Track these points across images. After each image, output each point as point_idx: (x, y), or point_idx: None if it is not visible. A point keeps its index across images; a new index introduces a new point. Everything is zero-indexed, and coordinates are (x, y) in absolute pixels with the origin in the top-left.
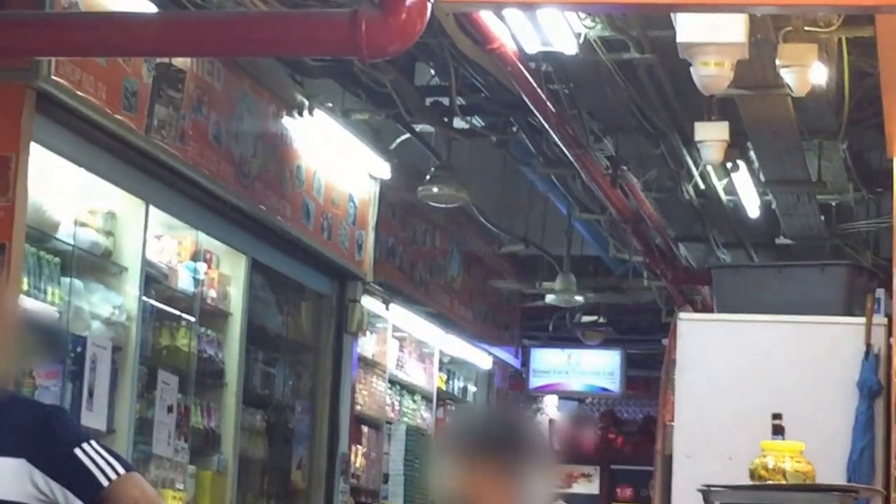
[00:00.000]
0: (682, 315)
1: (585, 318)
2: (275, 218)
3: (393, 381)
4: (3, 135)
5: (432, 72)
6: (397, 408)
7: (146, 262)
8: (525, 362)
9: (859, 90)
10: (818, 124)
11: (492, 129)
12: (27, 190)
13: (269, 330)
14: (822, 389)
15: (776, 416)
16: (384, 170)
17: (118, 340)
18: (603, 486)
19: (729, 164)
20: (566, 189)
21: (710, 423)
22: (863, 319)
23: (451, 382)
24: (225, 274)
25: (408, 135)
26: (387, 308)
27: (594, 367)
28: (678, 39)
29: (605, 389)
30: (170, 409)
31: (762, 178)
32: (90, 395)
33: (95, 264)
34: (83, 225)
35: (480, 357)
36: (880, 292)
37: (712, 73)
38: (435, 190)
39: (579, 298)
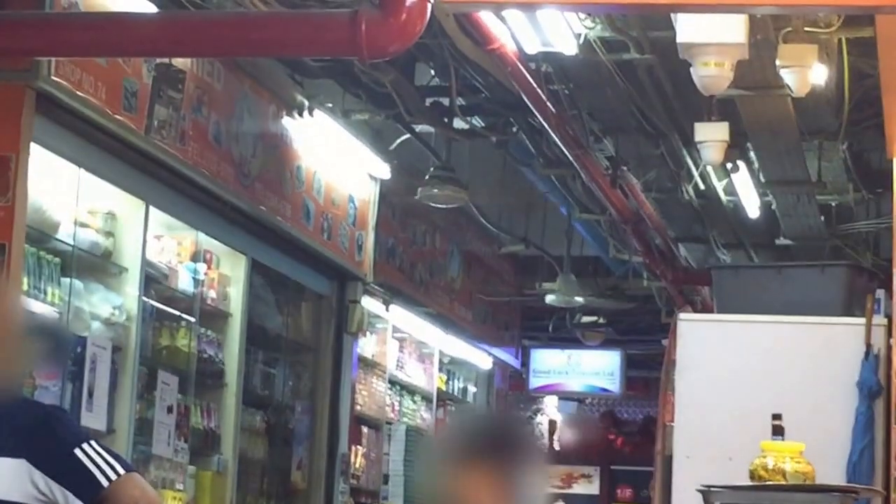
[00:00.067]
0: (682, 315)
1: (585, 319)
2: (275, 218)
3: (393, 382)
4: (3, 135)
5: (432, 72)
6: (397, 408)
7: (146, 263)
8: (525, 363)
9: (859, 91)
10: (818, 125)
11: (492, 130)
12: (27, 190)
13: (269, 330)
14: (822, 390)
15: (776, 417)
16: (384, 170)
17: (118, 341)
18: (603, 486)
19: (729, 165)
20: (566, 189)
21: (710, 424)
22: (863, 320)
23: (451, 383)
24: (225, 274)
25: (408, 135)
26: (387, 308)
27: (594, 368)
28: (678, 40)
29: (605, 390)
30: (170, 410)
31: (762, 178)
32: (90, 395)
33: (95, 265)
34: (83, 225)
35: (480, 357)
36: (880, 293)
37: (712, 74)
38: (435, 190)
39: (579, 299)
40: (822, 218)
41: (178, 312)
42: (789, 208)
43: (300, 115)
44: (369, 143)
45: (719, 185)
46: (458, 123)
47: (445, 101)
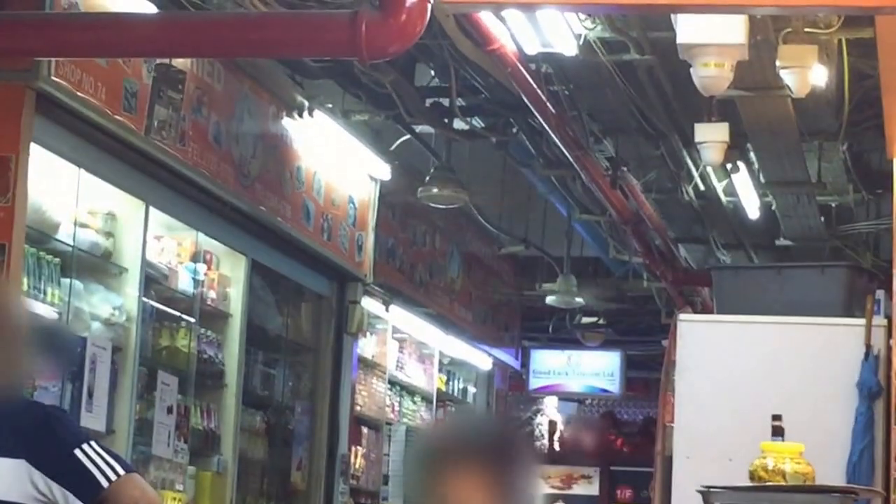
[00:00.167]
0: (682, 316)
1: (585, 320)
2: (275, 219)
3: (393, 382)
4: (3, 135)
5: (432, 73)
6: (397, 409)
7: (146, 263)
8: (525, 363)
9: (859, 91)
10: (818, 125)
11: (492, 131)
12: (27, 191)
13: (268, 331)
14: (822, 391)
15: (776, 418)
16: (384, 171)
17: (118, 341)
18: (603, 487)
19: (729, 166)
20: (566, 190)
21: (709, 425)
22: (862, 321)
23: (450, 383)
24: (225, 275)
25: (408, 136)
26: (387, 309)
27: (594, 369)
28: (678, 40)
29: (605, 391)
30: (169, 410)
31: (762, 179)
32: (90, 395)
33: (95, 265)
34: (83, 226)
35: (480, 358)
36: (880, 293)
37: (712, 74)
38: (435, 191)
39: (579, 300)
40: (822, 219)
41: (177, 313)
42: (789, 209)
43: (300, 115)
44: (369, 144)
45: (719, 186)
46: (458, 124)
47: (445, 102)
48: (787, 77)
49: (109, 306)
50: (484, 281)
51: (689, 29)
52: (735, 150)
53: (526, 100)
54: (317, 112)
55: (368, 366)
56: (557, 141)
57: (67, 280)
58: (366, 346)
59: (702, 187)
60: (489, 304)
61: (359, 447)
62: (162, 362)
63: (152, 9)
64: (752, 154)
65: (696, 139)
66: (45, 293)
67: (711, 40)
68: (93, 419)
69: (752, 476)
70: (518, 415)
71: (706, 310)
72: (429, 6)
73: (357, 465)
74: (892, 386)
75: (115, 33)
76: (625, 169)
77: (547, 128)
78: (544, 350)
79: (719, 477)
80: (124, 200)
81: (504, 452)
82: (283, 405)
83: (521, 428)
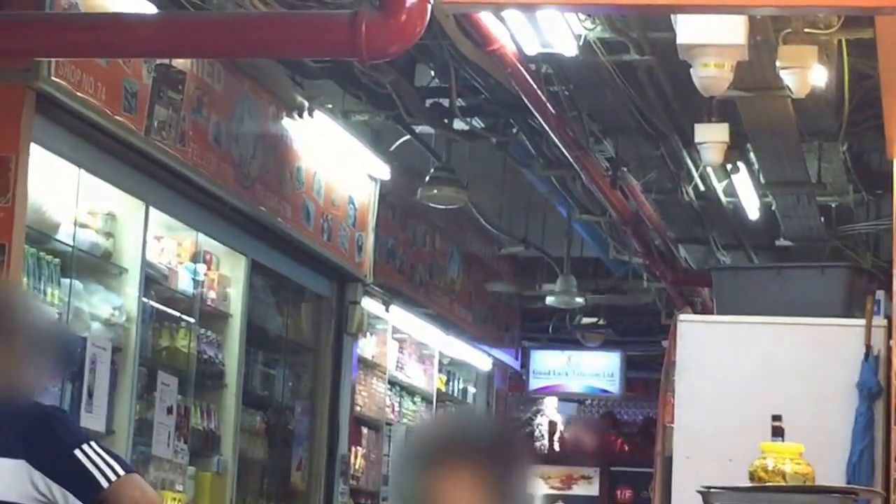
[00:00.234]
0: (682, 316)
1: (585, 320)
2: (275, 219)
3: (393, 383)
4: (3, 136)
5: (432, 73)
6: (397, 409)
7: (146, 264)
8: (525, 364)
9: (859, 92)
10: (818, 126)
11: (492, 131)
12: (27, 191)
13: (268, 331)
14: (822, 391)
15: (776, 418)
16: (384, 171)
17: (118, 341)
18: (603, 487)
19: (729, 166)
20: (566, 191)
21: (709, 425)
22: (862, 321)
23: (450, 384)
24: (225, 275)
25: (408, 136)
26: (387, 309)
27: (594, 369)
28: (678, 41)
29: (605, 391)
30: (169, 411)
31: (762, 179)
32: (90, 396)
33: (95, 265)
34: (83, 226)
35: (480, 358)
36: (880, 294)
37: (712, 75)
38: (435, 191)
39: (579, 300)
40: (822, 219)
41: (177, 313)
42: (789, 209)
43: (300, 115)
44: (369, 144)
45: (719, 187)
46: (458, 124)
47: (445, 102)
48: (787, 77)
49: (109, 306)
50: (484, 281)
51: (688, 29)
52: (735, 150)
53: (526, 100)
54: (317, 112)
55: (368, 366)
56: (557, 141)
57: (67, 280)
58: (366, 347)
59: (702, 188)
60: (489, 304)
61: (359, 447)
62: (162, 362)
63: (152, 9)
64: (752, 154)
65: (696, 139)
66: (44, 293)
67: (711, 41)
68: (93, 419)
69: (751, 476)
70: (513, 414)
71: (706, 310)
72: (429, 6)
73: (357, 466)
74: (892, 386)
75: (115, 33)
76: (625, 169)
77: (547, 128)
78: (544, 350)
79: (719, 477)
80: (124, 201)
81: (495, 451)
82: (283, 405)
83: (513, 425)
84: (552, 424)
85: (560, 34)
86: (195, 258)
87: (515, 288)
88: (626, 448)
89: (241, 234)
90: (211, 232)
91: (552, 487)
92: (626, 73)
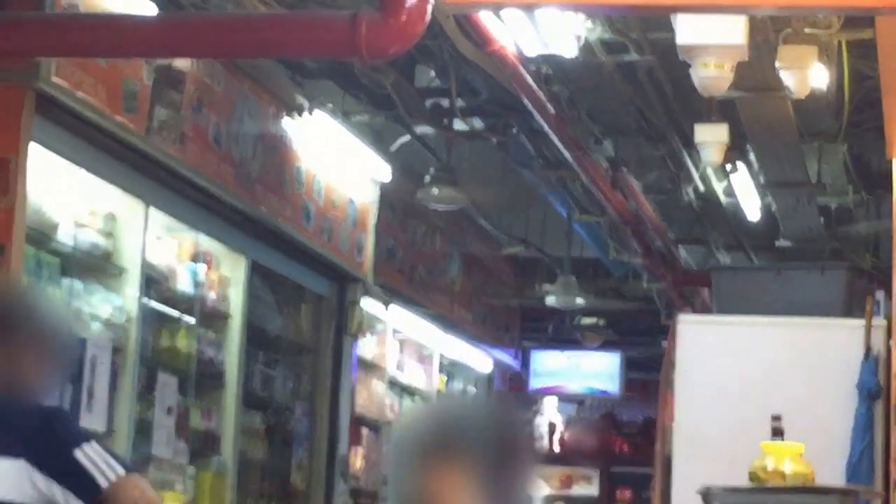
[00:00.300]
0: (681, 317)
1: (585, 321)
2: (275, 219)
3: (393, 383)
4: (2, 136)
5: (432, 73)
6: (397, 409)
7: (146, 264)
8: (525, 364)
9: (859, 92)
10: (818, 126)
11: (492, 131)
12: (27, 191)
13: (268, 331)
14: (822, 391)
15: (776, 418)
16: (384, 171)
17: (118, 342)
18: (603, 488)
19: (728, 166)
20: (566, 191)
21: (709, 425)
22: (862, 321)
23: (450, 384)
24: (225, 275)
25: (408, 136)
26: (386, 310)
27: (594, 370)
28: (678, 41)
29: (605, 391)
30: (169, 411)
31: (762, 180)
32: (90, 396)
33: (95, 266)
34: (83, 226)
35: (480, 359)
36: (880, 294)
37: (712, 75)
38: (435, 192)
39: (579, 300)
40: (822, 220)
41: (177, 313)
42: (789, 210)
43: (300, 116)
44: (369, 145)
45: (719, 187)
46: (458, 125)
47: (445, 103)
48: (787, 78)
49: (109, 307)
50: (484, 282)
51: (688, 30)
52: (735, 150)
53: (526, 101)
54: (317, 113)
55: (368, 366)
56: (557, 142)
57: (67, 281)
58: (366, 347)
59: (702, 188)
60: (489, 304)
61: (359, 448)
62: (162, 363)
63: (152, 9)
64: (751, 155)
65: (696, 140)
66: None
67: (711, 41)
68: (92, 419)
69: (751, 477)
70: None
71: (706, 311)
72: (429, 7)
73: (357, 466)
74: (892, 387)
75: (115, 33)
76: (625, 170)
77: (547, 129)
78: (544, 351)
79: (719, 477)
80: (124, 201)
81: (488, 442)
82: (283, 406)
83: (511, 413)
84: (552, 425)
85: (560, 35)
86: (195, 258)
87: (515, 288)
88: (626, 448)
89: (241, 234)
90: (211, 232)
91: (552, 488)
92: (626, 73)
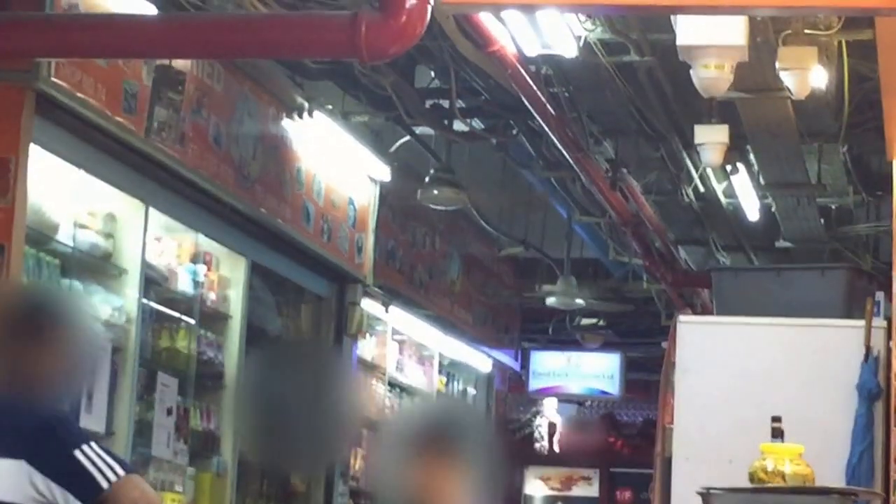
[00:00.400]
0: (681, 318)
1: (585, 321)
2: (275, 220)
3: (393, 384)
4: (2, 136)
5: (432, 74)
6: (397, 410)
7: (146, 265)
8: (525, 365)
9: (859, 93)
10: (818, 127)
11: (492, 132)
12: (27, 192)
13: (268, 332)
14: (822, 392)
15: (776, 419)
16: (384, 172)
17: (118, 342)
18: (602, 488)
19: (728, 167)
20: (566, 192)
21: (709, 426)
22: (862, 322)
23: (450, 385)
24: (225, 276)
25: (408, 137)
26: (386, 311)
27: (594, 370)
28: (678, 42)
29: (605, 392)
30: (169, 412)
31: (762, 180)
32: (89, 396)
33: (95, 266)
34: (83, 227)
35: (480, 360)
36: (880, 295)
37: (712, 76)
38: (435, 192)
39: (579, 301)
40: (822, 220)
41: (177, 314)
42: (789, 211)
43: (300, 116)
44: (369, 145)
45: (719, 188)
46: (458, 125)
47: (445, 104)
48: (787, 79)
49: (109, 307)
50: (484, 282)
51: (689, 30)
52: (735, 151)
53: (526, 101)
54: (317, 113)
55: (368, 367)
56: (557, 142)
57: (67, 281)
58: (365, 348)
59: (702, 189)
60: (489, 305)
61: (359, 449)
62: (162, 363)
63: (152, 10)
64: (751, 156)
65: (696, 141)
66: None
67: (711, 42)
68: (92, 420)
69: (751, 478)
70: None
71: (706, 311)
72: (429, 7)
73: (356, 467)
74: (892, 387)
75: (115, 34)
76: (625, 170)
77: (547, 129)
78: (544, 351)
79: (719, 478)
80: (124, 202)
81: (471, 441)
82: None
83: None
84: (552, 425)
85: (560, 35)
86: (195, 259)
87: (515, 289)
88: (626, 449)
89: (241, 235)
90: (211, 233)
91: (552, 488)
92: (626, 74)
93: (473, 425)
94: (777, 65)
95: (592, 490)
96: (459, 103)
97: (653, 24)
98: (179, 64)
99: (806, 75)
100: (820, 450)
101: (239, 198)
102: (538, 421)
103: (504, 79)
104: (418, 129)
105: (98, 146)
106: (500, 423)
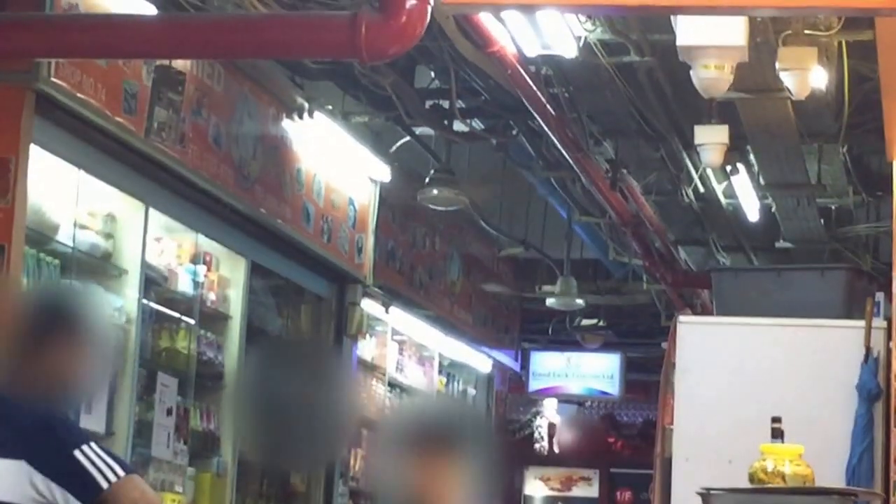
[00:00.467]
0: (681, 318)
1: (585, 322)
2: (275, 221)
3: (393, 384)
4: (2, 137)
5: (432, 74)
6: (397, 410)
7: (146, 265)
8: (524, 365)
9: (859, 94)
10: (818, 127)
11: (492, 132)
12: (27, 192)
13: (268, 332)
14: (822, 393)
15: (775, 420)
16: (384, 173)
17: (118, 342)
18: (602, 489)
19: (728, 168)
20: (566, 192)
21: (709, 427)
22: (862, 323)
23: (450, 385)
24: (224, 276)
25: (408, 138)
26: (386, 311)
27: (594, 371)
28: (678, 42)
29: (605, 393)
30: (169, 412)
31: (762, 181)
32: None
33: (95, 266)
34: (83, 227)
35: (480, 360)
36: (880, 296)
37: (712, 76)
38: (435, 193)
39: (579, 302)
40: (822, 221)
41: (177, 314)
42: (789, 211)
43: (300, 117)
44: (369, 146)
45: (719, 188)
46: (458, 126)
47: (445, 104)
48: (787, 79)
49: (109, 308)
50: (484, 283)
51: (689, 31)
52: (735, 152)
53: (526, 102)
54: (317, 114)
55: (368, 368)
56: (557, 143)
57: (67, 281)
58: (365, 348)
59: (701, 189)
60: (489, 306)
61: (358, 449)
62: (162, 364)
63: (152, 10)
64: (751, 156)
65: (696, 141)
66: None
67: (711, 42)
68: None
69: (751, 478)
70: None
71: (706, 312)
72: (429, 8)
73: (356, 467)
74: (892, 388)
75: (115, 34)
76: (624, 171)
77: (547, 130)
78: (544, 352)
79: (719, 479)
80: (124, 202)
81: (468, 438)
82: None
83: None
84: (552, 426)
85: (560, 36)
86: (195, 259)
87: (515, 289)
88: (626, 450)
89: (241, 235)
90: (211, 233)
91: (552, 489)
92: (626, 74)
93: (473, 425)
94: (777, 65)
95: (592, 490)
96: (459, 103)
97: (653, 24)
98: (179, 64)
99: (806, 76)
100: (820, 450)
101: (239, 198)
102: (538, 421)
103: (504, 79)
104: (418, 130)
105: (98, 146)
106: (499, 424)
